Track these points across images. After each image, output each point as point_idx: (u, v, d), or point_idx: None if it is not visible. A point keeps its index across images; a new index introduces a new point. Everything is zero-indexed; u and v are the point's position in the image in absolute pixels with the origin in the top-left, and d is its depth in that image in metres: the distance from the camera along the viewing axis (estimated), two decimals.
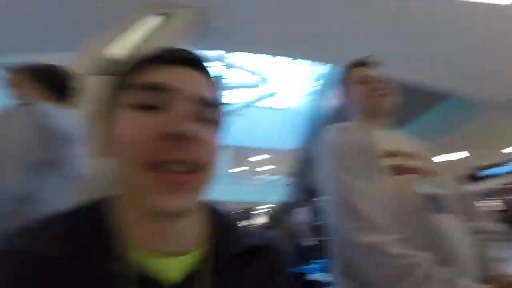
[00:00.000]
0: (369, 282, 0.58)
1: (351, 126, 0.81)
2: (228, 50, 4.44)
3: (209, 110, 0.31)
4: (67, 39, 2.78)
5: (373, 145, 0.70)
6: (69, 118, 0.92)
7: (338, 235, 0.65)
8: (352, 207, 0.61)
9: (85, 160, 0.93)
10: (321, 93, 7.21)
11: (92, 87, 1.52)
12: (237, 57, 10.47)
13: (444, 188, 0.69)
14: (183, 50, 0.33)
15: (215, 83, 0.35)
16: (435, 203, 0.64)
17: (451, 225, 0.62)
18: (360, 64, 0.86)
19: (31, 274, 0.26)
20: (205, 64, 0.34)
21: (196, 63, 0.33)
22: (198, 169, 0.29)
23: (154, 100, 0.29)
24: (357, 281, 0.63)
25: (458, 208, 0.69)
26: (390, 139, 0.75)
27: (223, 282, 0.33)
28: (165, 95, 0.29)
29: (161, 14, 2.33)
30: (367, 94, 0.80)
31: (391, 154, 0.69)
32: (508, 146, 6.47)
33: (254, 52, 3.67)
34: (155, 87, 0.29)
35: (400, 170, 0.67)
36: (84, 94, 1.09)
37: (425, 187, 0.65)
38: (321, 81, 7.48)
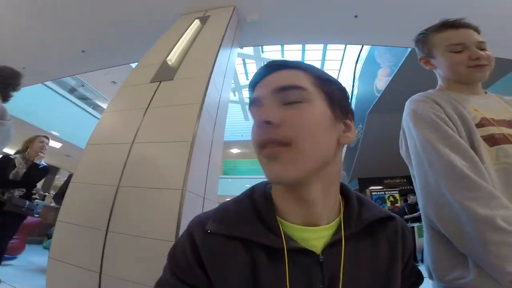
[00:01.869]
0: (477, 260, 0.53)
1: (437, 94, 0.73)
2: (264, 44, 4.45)
3: (289, 93, 0.39)
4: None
5: (464, 114, 0.65)
6: None
7: (445, 208, 0.57)
8: (461, 176, 0.55)
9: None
10: (365, 75, 6.70)
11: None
12: (277, 51, 10.41)
13: None
14: (267, 64, 0.43)
15: (301, 71, 0.42)
16: None
17: None
18: (449, 26, 0.75)
19: (219, 249, 0.37)
20: (279, 63, 0.42)
21: (275, 67, 0.42)
22: (286, 144, 0.36)
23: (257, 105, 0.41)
24: (458, 257, 0.57)
25: None
26: (482, 105, 0.69)
27: (358, 249, 0.40)
28: (259, 105, 0.40)
29: (198, 18, 2.47)
30: (461, 64, 0.71)
31: (482, 124, 0.64)
32: None
33: (289, 43, 3.61)
34: (252, 103, 0.42)
35: (493, 141, 0.61)
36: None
37: None
38: (364, 63, 6.93)
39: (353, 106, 7.03)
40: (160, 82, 1.93)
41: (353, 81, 7.91)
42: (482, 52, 0.70)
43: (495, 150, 0.61)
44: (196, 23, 2.36)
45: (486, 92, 0.77)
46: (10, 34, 3.13)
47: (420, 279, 0.47)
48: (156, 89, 1.89)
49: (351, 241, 0.40)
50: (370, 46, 6.14)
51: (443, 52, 0.75)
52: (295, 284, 0.36)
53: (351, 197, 0.44)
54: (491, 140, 0.62)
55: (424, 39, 0.81)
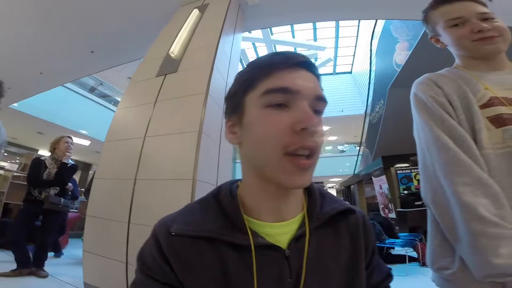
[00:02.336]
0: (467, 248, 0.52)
1: (444, 74, 0.69)
2: (271, 25, 4.29)
3: (321, 104, 0.38)
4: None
5: (467, 95, 0.62)
6: None
7: (439, 193, 0.57)
8: (452, 160, 0.54)
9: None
10: (383, 51, 6.26)
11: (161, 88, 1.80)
12: (287, 32, 10.06)
13: None
14: (297, 54, 0.39)
15: (319, 80, 0.41)
16: None
17: None
18: (442, 1, 0.72)
19: (185, 250, 0.37)
20: (313, 64, 0.40)
21: (308, 65, 0.39)
22: (315, 154, 0.36)
23: (282, 100, 0.36)
24: (452, 244, 0.56)
25: None
26: (499, 83, 0.63)
27: (322, 241, 0.41)
28: (290, 96, 0.36)
29: (197, 7, 2.42)
30: (464, 38, 0.66)
31: (490, 103, 0.60)
32: None
33: (297, 22, 3.43)
34: (283, 90, 0.36)
35: (501, 121, 0.57)
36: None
37: None
38: (379, 39, 6.47)
39: (372, 82, 6.71)
40: (165, 75, 1.94)
41: (370, 58, 7.44)
42: (485, 24, 0.64)
43: (501, 132, 0.56)
44: (195, 12, 2.31)
45: None
46: (23, 43, 3.30)
47: (388, 278, 0.47)
48: (162, 83, 1.91)
49: (315, 234, 0.40)
50: (384, 20, 5.72)
51: (444, 28, 0.71)
52: (265, 280, 0.36)
53: (314, 191, 0.44)
54: (499, 121, 0.57)
55: (425, 18, 0.77)
